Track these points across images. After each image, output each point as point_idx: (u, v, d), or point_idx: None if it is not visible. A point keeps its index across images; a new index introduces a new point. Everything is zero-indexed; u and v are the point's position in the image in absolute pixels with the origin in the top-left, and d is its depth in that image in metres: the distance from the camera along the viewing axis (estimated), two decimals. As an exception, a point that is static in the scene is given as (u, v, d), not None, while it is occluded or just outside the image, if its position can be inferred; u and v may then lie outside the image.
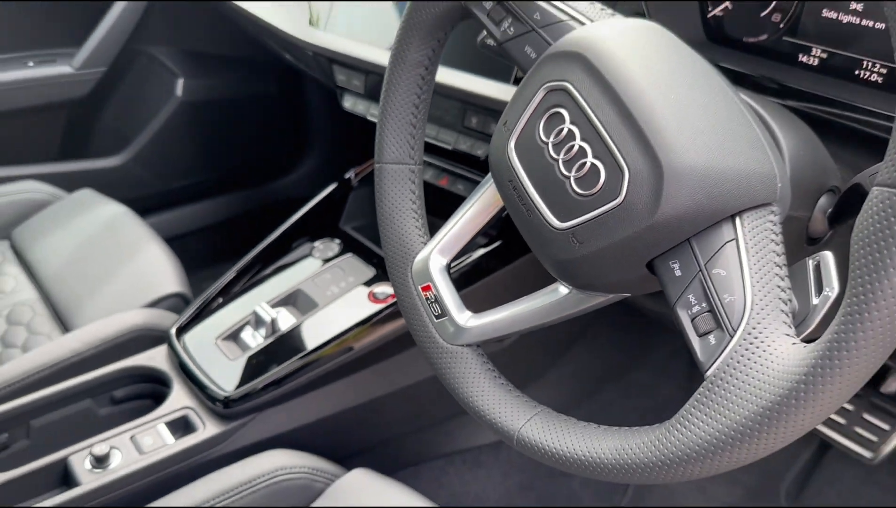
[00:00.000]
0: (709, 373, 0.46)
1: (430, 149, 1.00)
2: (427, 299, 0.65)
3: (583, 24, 0.59)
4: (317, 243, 1.12)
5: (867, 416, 1.09)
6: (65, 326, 1.15)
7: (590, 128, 0.50)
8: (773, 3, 0.78)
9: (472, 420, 1.09)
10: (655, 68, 0.51)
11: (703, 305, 0.47)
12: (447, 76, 0.95)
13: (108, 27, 1.56)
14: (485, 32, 0.70)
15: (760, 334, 0.44)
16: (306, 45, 1.10)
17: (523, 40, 0.61)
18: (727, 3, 0.82)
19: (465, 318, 0.63)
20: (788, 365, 0.42)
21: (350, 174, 1.19)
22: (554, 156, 0.52)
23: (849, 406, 1.10)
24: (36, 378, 0.98)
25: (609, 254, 0.50)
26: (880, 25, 0.68)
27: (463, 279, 0.97)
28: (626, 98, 0.49)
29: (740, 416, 0.43)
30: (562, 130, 0.52)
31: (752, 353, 0.44)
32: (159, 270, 1.19)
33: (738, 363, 0.44)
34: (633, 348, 1.34)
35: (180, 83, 1.67)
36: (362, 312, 0.97)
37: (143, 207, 1.71)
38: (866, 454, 1.08)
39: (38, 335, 1.14)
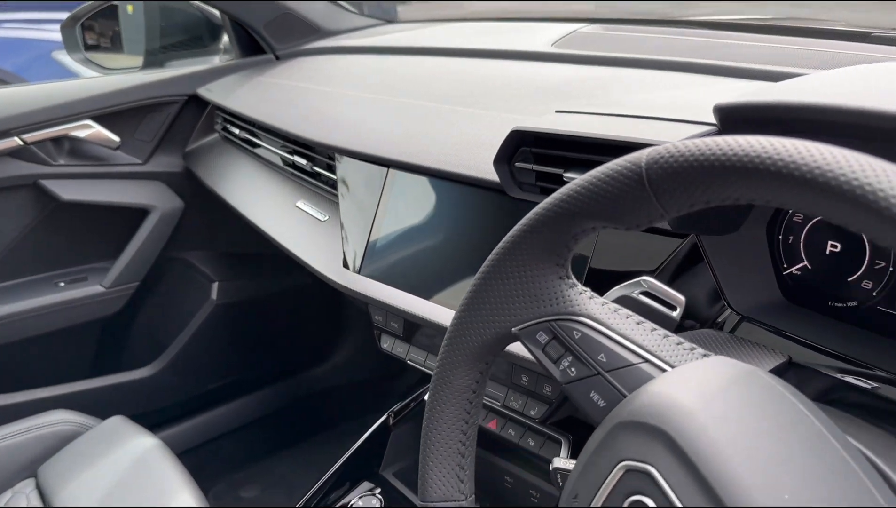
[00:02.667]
0: None
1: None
2: None
3: (660, 368, 0.50)
4: (354, 500, 1.01)
5: None
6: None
7: None
8: (863, 268, 0.69)
9: None
10: (761, 452, 0.41)
11: None
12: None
13: (143, 239, 1.54)
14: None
15: None
16: (340, 288, 1.04)
17: (587, 384, 0.53)
18: (805, 263, 0.73)
19: None
20: None
21: (389, 416, 1.10)
22: None
23: None
24: None
25: None
26: None
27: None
28: (726, 498, 0.39)
29: None
30: None
31: None
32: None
33: None
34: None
35: (215, 287, 1.63)
36: None
37: (178, 413, 1.65)
38: None
39: None
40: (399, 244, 1.00)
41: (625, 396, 0.50)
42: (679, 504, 0.41)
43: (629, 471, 0.44)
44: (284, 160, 1.30)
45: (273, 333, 1.80)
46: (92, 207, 1.51)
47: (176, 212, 1.58)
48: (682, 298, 0.60)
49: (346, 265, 1.05)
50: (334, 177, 1.12)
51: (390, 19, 1.73)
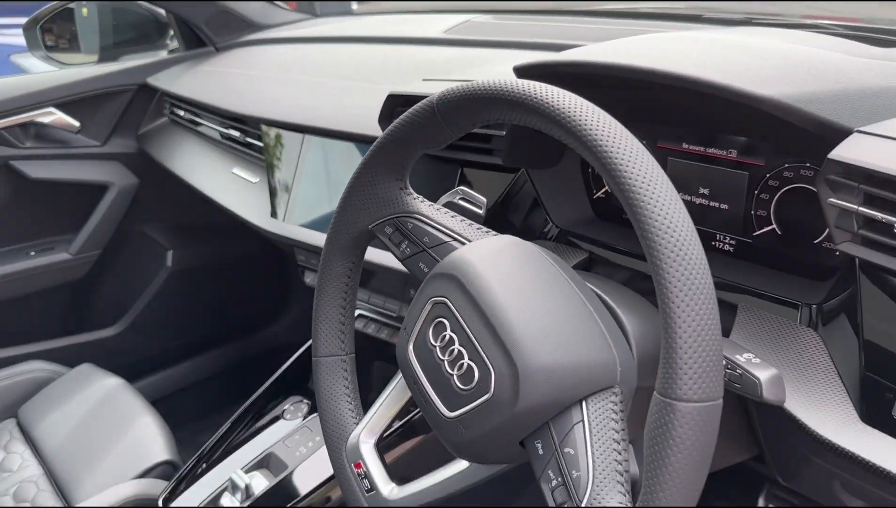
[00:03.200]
0: None
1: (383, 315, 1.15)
2: (359, 475, 0.77)
3: (462, 243, 0.73)
4: (287, 405, 1.24)
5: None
6: (66, 500, 1.26)
7: (464, 336, 0.64)
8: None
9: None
10: (513, 284, 0.64)
11: (559, 479, 0.59)
12: (387, 258, 1.10)
13: (103, 213, 1.75)
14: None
15: (599, 504, 0.56)
16: (270, 235, 1.27)
17: (417, 258, 0.76)
18: (608, 188, 0.98)
19: (389, 489, 0.75)
20: None
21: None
22: (441, 357, 0.65)
23: None
24: None
25: (488, 437, 0.62)
26: (725, 206, 0.83)
27: (396, 440, 1.09)
28: (488, 313, 0.62)
29: None
30: (444, 336, 0.65)
31: None
32: (150, 440, 1.31)
33: None
34: None
35: (170, 255, 1.84)
36: (328, 471, 1.08)
37: (139, 370, 1.85)
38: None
39: (41, 510, 1.25)
40: (314, 195, 1.23)
41: (439, 262, 0.73)
42: (463, 323, 0.65)
43: (435, 304, 0.68)
44: (222, 134, 1.52)
45: (226, 296, 2.01)
46: (57, 184, 1.71)
47: (132, 188, 1.79)
48: (483, 199, 0.83)
49: (274, 216, 1.28)
50: (261, 145, 1.35)
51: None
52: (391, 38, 1.45)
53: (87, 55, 1.86)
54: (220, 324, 2.00)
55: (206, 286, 1.95)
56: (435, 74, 1.14)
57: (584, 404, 0.59)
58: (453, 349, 0.64)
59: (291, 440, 1.17)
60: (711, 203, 0.85)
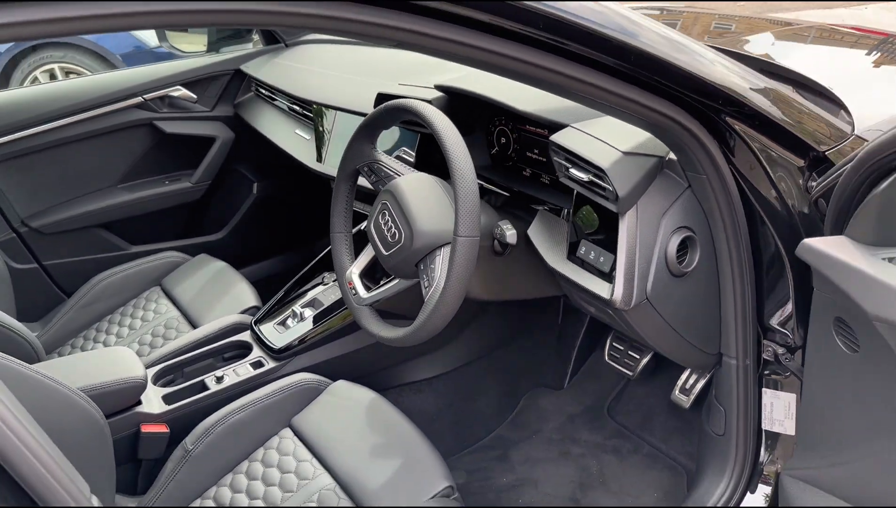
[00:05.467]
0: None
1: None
2: (352, 289, 1.58)
3: (399, 174, 1.53)
4: (325, 275, 2.07)
5: (630, 352, 1.95)
6: (195, 327, 2.12)
7: (393, 216, 1.43)
8: (512, 150, 1.72)
9: (418, 362, 2.05)
10: (418, 192, 1.43)
11: (426, 281, 1.39)
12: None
13: (212, 156, 2.60)
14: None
15: (441, 291, 1.36)
16: (316, 172, 2.09)
17: (378, 183, 1.56)
18: (496, 149, 1.76)
19: (364, 292, 1.56)
20: None
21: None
22: (383, 227, 1.45)
23: (619, 346, 1.97)
24: (184, 349, 1.94)
25: (401, 262, 1.41)
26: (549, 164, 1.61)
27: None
28: (404, 206, 1.41)
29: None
30: (385, 216, 1.45)
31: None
32: (246, 295, 2.15)
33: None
34: (515, 324, 2.23)
35: (255, 186, 2.69)
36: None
37: (233, 263, 2.72)
38: (628, 372, 1.95)
39: (181, 332, 2.12)
40: (340, 148, 2.04)
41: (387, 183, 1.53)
42: (393, 211, 1.45)
43: (382, 203, 1.48)
44: (289, 107, 2.35)
45: (292, 215, 2.80)
46: (182, 136, 2.54)
47: (230, 140, 2.62)
48: (413, 154, 1.61)
49: (319, 160, 2.10)
50: (312, 116, 2.17)
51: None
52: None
53: (199, 47, 2.69)
54: (285, 236, 2.83)
55: (279, 208, 2.77)
56: (411, 77, 1.92)
57: (440, 249, 1.38)
58: (388, 222, 1.44)
59: (326, 291, 2.00)
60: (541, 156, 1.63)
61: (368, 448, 1.50)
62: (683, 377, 1.78)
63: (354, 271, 1.56)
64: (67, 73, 5.02)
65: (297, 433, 1.58)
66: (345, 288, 1.55)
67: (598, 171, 1.27)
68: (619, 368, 1.94)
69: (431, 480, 1.41)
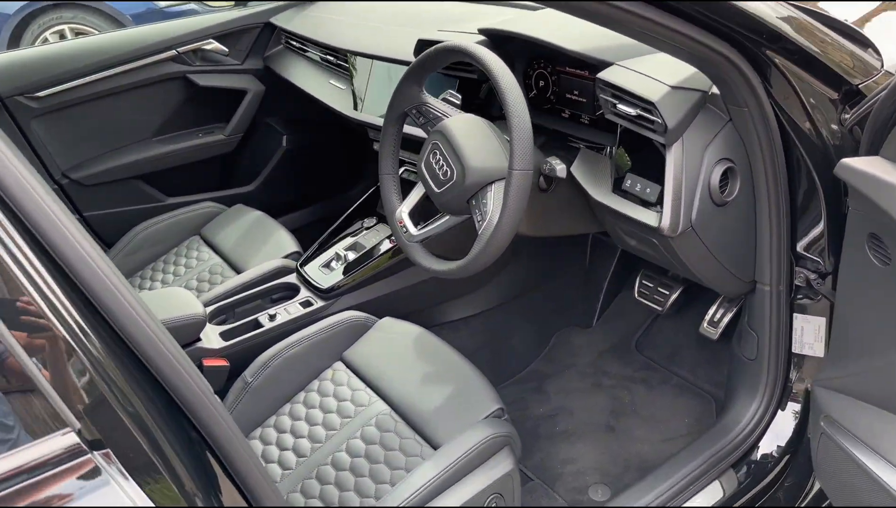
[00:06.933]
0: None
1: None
2: (402, 227, 1.66)
3: (448, 116, 1.60)
4: (365, 220, 2.15)
5: (659, 288, 2.05)
6: (238, 272, 2.20)
7: (444, 155, 1.51)
8: (550, 92, 1.79)
9: (455, 303, 2.14)
10: (468, 131, 1.50)
11: (479, 215, 1.47)
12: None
13: (244, 108, 2.66)
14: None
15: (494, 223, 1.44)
16: (353, 121, 2.16)
17: (427, 124, 1.63)
18: (534, 92, 1.83)
19: (414, 230, 1.64)
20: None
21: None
22: (434, 165, 1.53)
23: (649, 284, 2.07)
24: (234, 292, 2.03)
25: (453, 198, 1.50)
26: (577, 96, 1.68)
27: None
28: (455, 145, 1.49)
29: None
30: (437, 155, 1.53)
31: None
32: (286, 242, 2.23)
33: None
34: (545, 267, 2.33)
35: (285, 138, 2.75)
36: (387, 245, 2.00)
37: (268, 212, 2.79)
38: (658, 307, 2.04)
39: (226, 278, 2.20)
40: (377, 96, 2.11)
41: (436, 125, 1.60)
42: (444, 150, 1.52)
43: (433, 143, 1.55)
44: (321, 58, 2.41)
45: (321, 167, 2.88)
46: (215, 89, 2.60)
47: (261, 93, 2.68)
48: (459, 96, 1.68)
49: (355, 109, 2.17)
50: (347, 66, 2.23)
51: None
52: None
53: (227, 2, 2.74)
54: (317, 186, 2.91)
55: (308, 160, 2.83)
56: (447, 25, 1.98)
57: (493, 184, 1.46)
58: (439, 161, 1.52)
59: (368, 233, 2.09)
60: (569, 96, 1.70)
61: (419, 376, 1.56)
62: (711, 310, 1.88)
63: (404, 209, 1.63)
64: (77, 34, 5.03)
65: (349, 366, 1.65)
66: (395, 226, 1.63)
67: (647, 104, 1.34)
68: (650, 304, 2.03)
69: (483, 402, 1.47)
